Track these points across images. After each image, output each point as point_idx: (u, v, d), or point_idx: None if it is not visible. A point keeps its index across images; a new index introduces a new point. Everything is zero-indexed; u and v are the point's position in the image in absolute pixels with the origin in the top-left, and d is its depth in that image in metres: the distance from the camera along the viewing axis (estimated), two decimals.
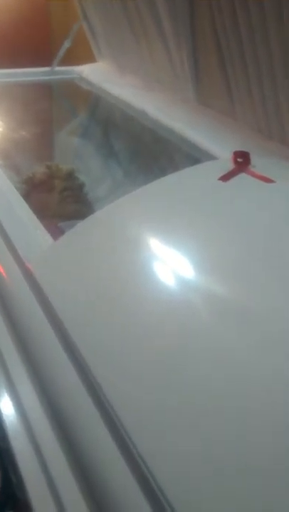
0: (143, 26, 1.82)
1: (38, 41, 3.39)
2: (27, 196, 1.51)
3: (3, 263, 1.04)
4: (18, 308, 0.95)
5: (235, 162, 1.08)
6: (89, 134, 2.22)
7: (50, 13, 3.47)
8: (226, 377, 0.68)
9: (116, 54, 2.21)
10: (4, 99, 2.34)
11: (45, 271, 0.97)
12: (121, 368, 0.75)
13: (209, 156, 1.38)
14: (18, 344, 0.89)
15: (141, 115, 1.84)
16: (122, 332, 0.79)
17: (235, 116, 1.52)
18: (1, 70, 2.34)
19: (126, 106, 1.95)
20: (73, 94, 2.48)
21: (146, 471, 0.63)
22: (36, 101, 2.35)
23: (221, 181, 1.02)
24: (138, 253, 0.90)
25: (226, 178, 1.03)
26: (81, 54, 2.43)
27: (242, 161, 1.08)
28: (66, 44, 2.34)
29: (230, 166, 1.07)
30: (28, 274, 0.97)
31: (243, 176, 1.04)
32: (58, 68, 2.40)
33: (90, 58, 2.44)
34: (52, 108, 2.52)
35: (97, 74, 2.30)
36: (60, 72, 2.41)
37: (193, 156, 1.48)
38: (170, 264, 0.86)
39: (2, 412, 0.81)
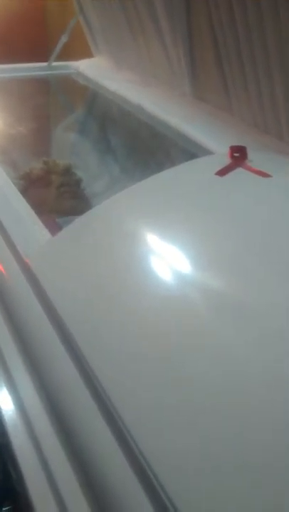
0: (140, 21, 1.81)
1: (35, 36, 3.38)
2: (24, 192, 1.51)
3: (2, 258, 1.04)
4: (16, 303, 0.95)
5: (232, 157, 1.08)
6: (86, 129, 2.21)
7: (47, 8, 3.47)
8: (225, 373, 0.68)
9: (113, 49, 2.21)
10: (1, 94, 2.33)
11: (43, 266, 0.97)
12: (119, 363, 0.75)
13: (206, 151, 1.38)
14: (16, 339, 0.90)
15: (138, 110, 1.84)
16: (120, 327, 0.79)
17: (231, 111, 1.52)
18: None
19: (123, 101, 1.95)
20: (70, 89, 2.48)
21: (145, 464, 0.63)
22: (33, 96, 2.35)
23: (217, 176, 1.02)
24: (135, 248, 0.91)
25: (222, 172, 1.03)
26: (78, 49, 2.43)
27: (238, 155, 1.08)
28: (63, 39, 2.33)
29: (227, 160, 1.07)
30: (26, 269, 0.97)
31: (239, 171, 1.04)
32: (54, 63, 2.40)
33: (86, 53, 2.43)
34: (49, 103, 2.51)
35: (94, 69, 2.29)
36: (57, 67, 2.41)
37: (190, 151, 1.48)
38: (168, 259, 0.86)
39: (1, 406, 0.81)
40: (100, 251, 0.94)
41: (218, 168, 1.04)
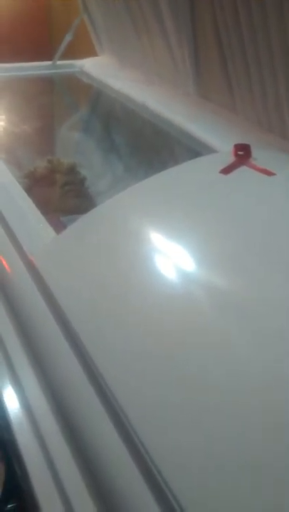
0: (144, 20, 1.81)
1: (39, 35, 3.38)
2: (29, 191, 1.51)
3: (7, 256, 1.04)
4: (21, 301, 0.96)
5: (236, 155, 1.08)
6: (90, 128, 2.22)
7: (51, 7, 3.47)
8: (229, 372, 0.68)
9: (117, 48, 2.21)
10: (6, 93, 2.34)
11: (47, 264, 0.97)
12: (124, 362, 0.75)
13: (210, 150, 1.38)
14: (21, 337, 0.90)
15: (142, 109, 1.84)
16: (125, 325, 0.79)
17: (235, 110, 1.52)
18: (2, 64, 2.34)
19: (127, 100, 1.95)
20: (74, 88, 2.48)
21: (150, 463, 0.63)
22: (37, 95, 2.35)
23: (221, 174, 1.02)
24: (139, 247, 0.91)
25: (226, 171, 1.03)
26: (82, 48, 2.43)
27: (243, 153, 1.08)
28: (67, 38, 2.33)
29: (231, 159, 1.07)
30: (31, 267, 0.97)
31: (243, 169, 1.04)
32: (59, 62, 2.40)
33: (91, 52, 2.43)
34: (53, 102, 2.52)
35: (99, 68, 2.29)
36: (62, 66, 2.41)
37: (194, 149, 1.48)
38: (172, 257, 0.86)
39: (6, 404, 0.81)
40: (104, 249, 0.94)
41: (222, 166, 1.04)
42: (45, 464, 0.72)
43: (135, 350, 0.75)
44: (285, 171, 1.05)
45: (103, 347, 0.78)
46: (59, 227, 1.13)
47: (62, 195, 1.60)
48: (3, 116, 2.24)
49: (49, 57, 2.45)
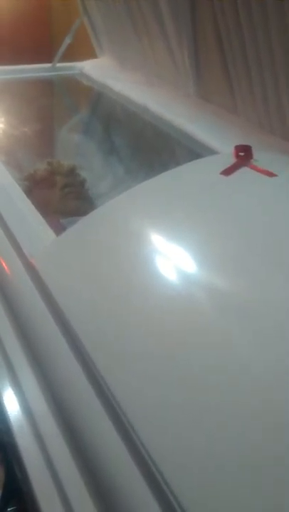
0: (145, 22, 1.81)
1: (39, 37, 3.39)
2: (29, 193, 1.51)
3: (7, 258, 1.04)
4: (21, 303, 0.95)
5: (237, 156, 1.08)
6: (90, 130, 2.22)
7: (51, 9, 3.47)
8: (230, 372, 0.68)
9: (117, 50, 2.21)
10: (6, 95, 2.34)
11: (47, 266, 0.97)
12: (125, 363, 0.75)
13: (210, 151, 1.38)
14: (21, 339, 0.90)
15: (142, 111, 1.84)
16: (125, 326, 0.79)
17: (236, 112, 1.52)
18: (2, 66, 2.34)
19: (127, 101, 1.95)
20: (74, 90, 2.48)
21: (151, 463, 0.63)
22: (37, 97, 2.35)
23: (223, 176, 1.02)
24: (140, 249, 0.91)
25: (227, 172, 1.03)
26: (82, 50, 2.43)
27: (244, 155, 1.07)
28: (67, 40, 2.34)
29: (232, 160, 1.07)
30: (31, 269, 0.97)
31: (244, 170, 1.04)
32: (59, 64, 2.40)
33: (91, 54, 2.43)
34: (53, 104, 2.52)
35: (99, 70, 2.30)
36: (62, 68, 2.41)
37: (195, 151, 1.48)
38: (172, 259, 0.86)
39: (6, 407, 0.81)
40: (104, 251, 0.94)
41: (223, 167, 1.04)
42: (46, 467, 0.72)
43: (135, 351, 0.75)
44: (287, 172, 1.05)
45: (103, 348, 0.78)
46: (59, 229, 1.13)
47: (62, 197, 1.60)
48: (4, 119, 2.24)
49: (49, 58, 2.45)
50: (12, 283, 1.00)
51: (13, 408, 0.80)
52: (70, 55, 2.41)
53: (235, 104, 1.50)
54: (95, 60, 2.42)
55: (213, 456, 0.61)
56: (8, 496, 0.87)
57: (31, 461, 0.73)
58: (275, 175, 1.01)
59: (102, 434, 0.70)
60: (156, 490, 0.61)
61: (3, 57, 2.43)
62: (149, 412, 0.68)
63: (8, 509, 0.86)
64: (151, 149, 1.90)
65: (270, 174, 1.01)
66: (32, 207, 1.19)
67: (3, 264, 1.04)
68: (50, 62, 2.42)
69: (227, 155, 1.10)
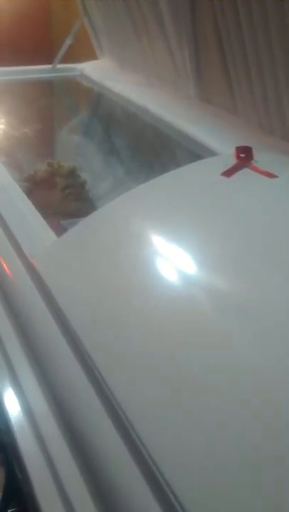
0: (145, 23, 1.82)
1: (39, 39, 3.39)
2: (29, 194, 1.51)
3: (7, 259, 1.04)
4: (21, 304, 0.95)
5: (238, 157, 1.08)
6: (90, 131, 2.22)
7: (51, 11, 3.47)
8: (229, 372, 0.68)
9: (117, 51, 2.21)
10: (6, 97, 2.34)
11: (48, 267, 0.97)
12: (125, 363, 0.75)
13: (211, 152, 1.38)
14: (22, 339, 0.90)
15: (142, 112, 1.84)
16: (126, 326, 0.79)
17: (236, 113, 1.52)
18: (2, 67, 2.34)
19: (127, 103, 1.95)
20: (75, 91, 2.48)
21: (152, 463, 0.63)
22: (38, 98, 2.35)
23: (223, 177, 1.02)
24: (140, 250, 0.91)
25: (228, 173, 1.03)
26: (82, 51, 2.43)
27: (244, 156, 1.07)
28: (68, 41, 2.34)
29: (233, 161, 1.07)
30: (32, 270, 0.97)
31: (245, 171, 1.04)
32: (59, 66, 2.40)
33: (91, 55, 2.44)
34: (53, 105, 2.52)
35: (99, 71, 2.30)
36: (62, 69, 2.41)
37: (195, 152, 1.48)
38: (172, 260, 0.86)
39: (7, 408, 0.81)
40: (104, 252, 0.94)
41: (224, 169, 1.04)
42: (46, 467, 0.72)
43: (136, 352, 0.75)
44: (287, 173, 1.05)
45: (104, 349, 0.78)
46: (59, 230, 1.13)
47: (62, 198, 1.60)
48: (4, 120, 2.24)
49: (49, 60, 2.46)
50: (13, 284, 1.00)
51: (13, 408, 0.80)
52: (71, 57, 2.41)
53: (235, 105, 1.50)
54: (96, 61, 2.42)
55: (213, 456, 0.61)
56: (9, 497, 0.86)
57: (32, 461, 0.73)
58: (275, 176, 1.01)
59: (103, 434, 0.70)
60: (156, 490, 0.61)
61: (4, 59, 2.43)
62: (150, 412, 0.68)
63: (9, 510, 0.86)
64: (151, 150, 1.90)
65: (271, 175, 1.01)
66: (32, 208, 1.19)
67: (4, 265, 1.04)
68: (50, 63, 2.42)
69: (227, 156, 1.10)
